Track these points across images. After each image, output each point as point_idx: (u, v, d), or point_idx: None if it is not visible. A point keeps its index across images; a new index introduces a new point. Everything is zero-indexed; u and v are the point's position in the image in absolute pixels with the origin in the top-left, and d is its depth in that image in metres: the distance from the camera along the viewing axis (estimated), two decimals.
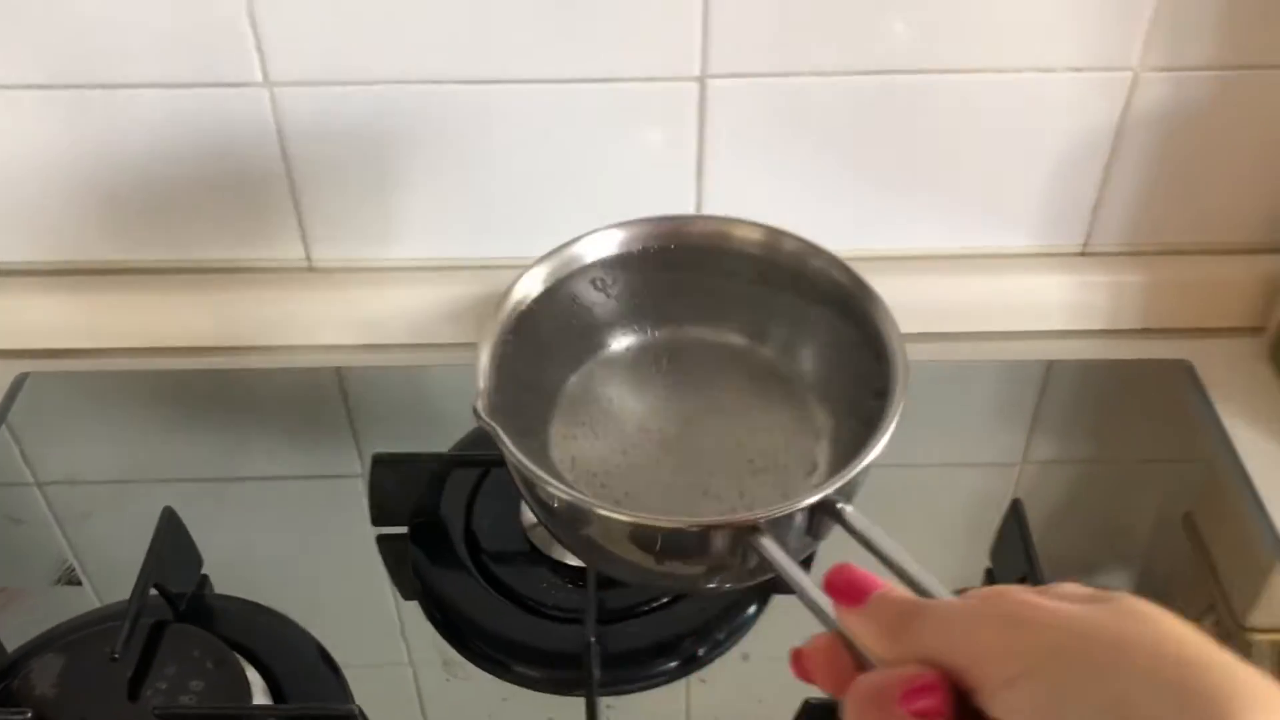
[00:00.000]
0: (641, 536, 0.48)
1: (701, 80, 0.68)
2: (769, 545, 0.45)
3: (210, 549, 0.63)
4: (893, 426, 0.50)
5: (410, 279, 0.76)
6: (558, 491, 0.48)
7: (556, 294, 0.58)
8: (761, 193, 0.74)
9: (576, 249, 0.58)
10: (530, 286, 0.57)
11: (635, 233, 0.60)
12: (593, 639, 0.55)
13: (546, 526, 0.54)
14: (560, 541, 0.59)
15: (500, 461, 0.65)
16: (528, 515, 0.63)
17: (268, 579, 0.63)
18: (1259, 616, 0.64)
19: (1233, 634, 0.63)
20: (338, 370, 0.75)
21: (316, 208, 0.74)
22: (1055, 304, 0.76)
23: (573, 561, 0.61)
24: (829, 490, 0.47)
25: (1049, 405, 0.76)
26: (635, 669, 0.58)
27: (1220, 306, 0.77)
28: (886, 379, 0.53)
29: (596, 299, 0.60)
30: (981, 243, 0.76)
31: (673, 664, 0.58)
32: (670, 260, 0.60)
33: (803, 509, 0.47)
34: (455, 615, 0.61)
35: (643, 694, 0.58)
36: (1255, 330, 0.76)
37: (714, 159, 0.72)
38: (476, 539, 0.63)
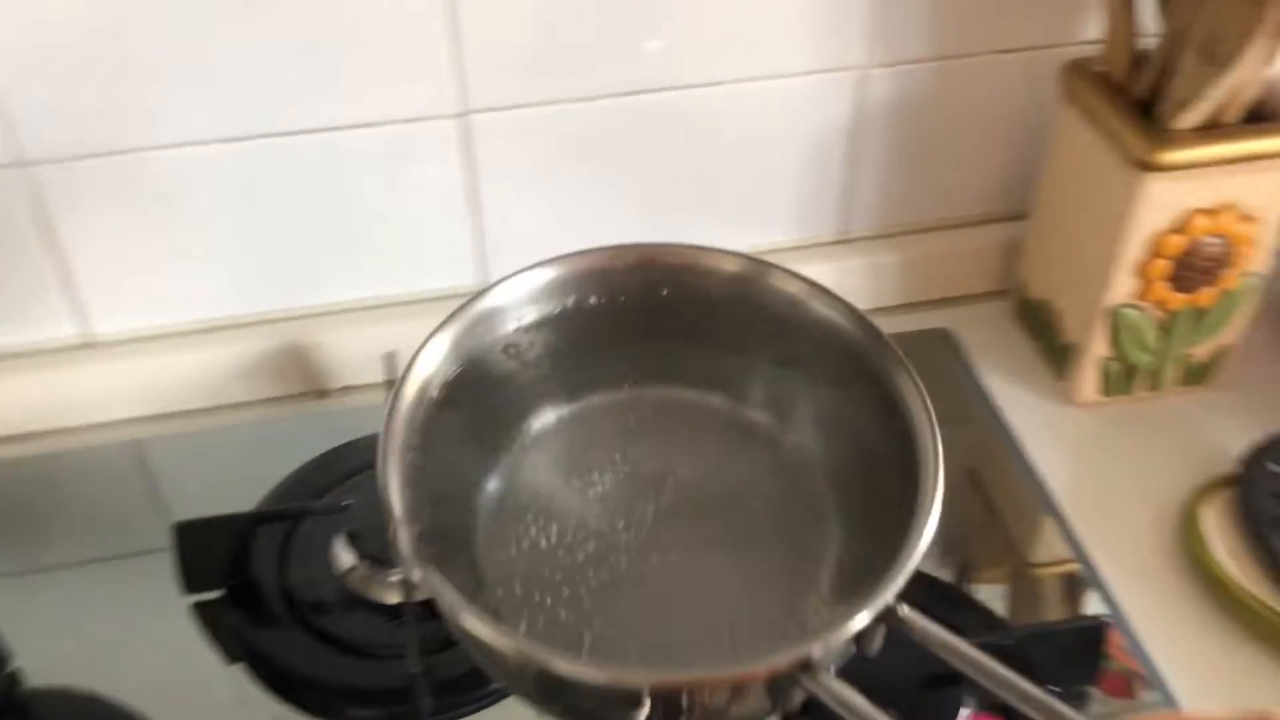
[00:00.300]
0: (656, 696, 0.37)
1: (463, 117, 0.70)
2: (836, 687, 0.36)
3: (23, 643, 0.61)
4: (939, 502, 0.42)
5: (195, 343, 0.75)
6: (546, 662, 0.38)
7: (467, 372, 0.48)
8: (541, 222, 0.76)
9: (484, 305, 0.48)
10: (430, 368, 0.47)
11: (559, 276, 0.50)
12: (416, 671, 0.56)
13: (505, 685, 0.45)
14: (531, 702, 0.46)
15: (307, 511, 0.66)
16: (340, 561, 0.63)
17: (88, 665, 0.61)
18: (1040, 553, 0.70)
19: (1022, 573, 0.69)
20: (133, 444, 0.74)
21: (90, 282, 0.72)
22: None
23: (390, 599, 0.62)
24: (889, 595, 0.38)
25: None
26: (464, 693, 0.59)
27: (968, 275, 0.83)
28: (912, 445, 0.44)
29: (515, 369, 0.51)
30: (747, 242, 0.80)
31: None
32: (614, 305, 0.50)
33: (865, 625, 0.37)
34: (282, 671, 0.61)
35: (475, 716, 0.59)
36: (1001, 293, 0.83)
37: (489, 194, 0.74)
38: (292, 592, 0.63)
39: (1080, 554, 0.67)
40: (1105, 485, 0.71)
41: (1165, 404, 0.75)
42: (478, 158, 0.72)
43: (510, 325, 0.50)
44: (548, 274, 0.50)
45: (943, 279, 0.83)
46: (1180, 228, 0.67)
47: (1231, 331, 0.73)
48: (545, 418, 0.52)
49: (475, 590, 0.45)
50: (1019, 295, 0.81)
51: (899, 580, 0.38)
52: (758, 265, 0.50)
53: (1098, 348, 0.73)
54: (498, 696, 0.59)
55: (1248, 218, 0.67)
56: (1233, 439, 0.70)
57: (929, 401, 0.45)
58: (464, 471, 0.49)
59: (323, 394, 0.77)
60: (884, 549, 0.40)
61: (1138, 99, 0.67)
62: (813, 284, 0.50)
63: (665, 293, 0.51)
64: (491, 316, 0.49)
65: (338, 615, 0.62)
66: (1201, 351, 0.74)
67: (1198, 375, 0.75)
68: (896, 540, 0.40)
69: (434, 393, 0.47)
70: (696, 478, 0.50)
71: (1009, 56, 0.76)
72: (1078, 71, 0.71)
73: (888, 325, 0.80)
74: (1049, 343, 0.77)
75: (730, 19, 0.70)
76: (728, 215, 0.79)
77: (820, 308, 0.49)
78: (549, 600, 0.47)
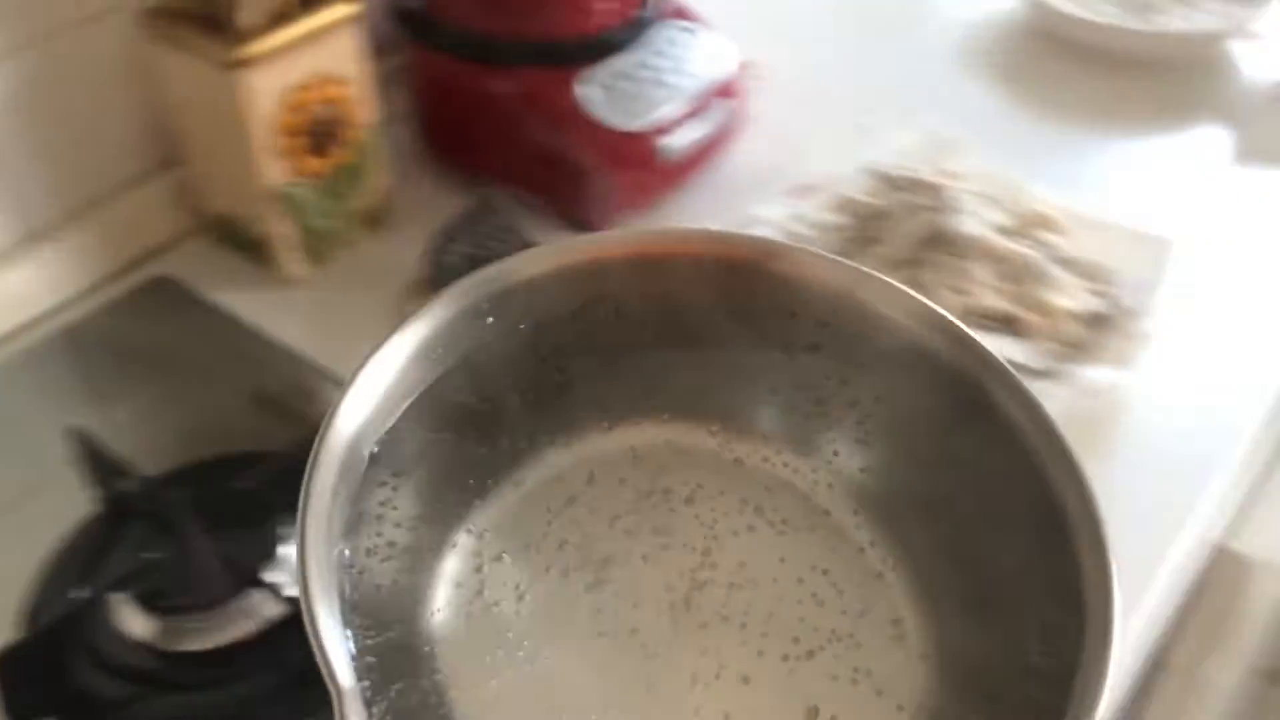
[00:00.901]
0: None
1: None
2: None
3: None
4: (1119, 613, 0.29)
5: None
6: None
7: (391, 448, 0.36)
8: None
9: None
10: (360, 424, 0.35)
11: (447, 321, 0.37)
12: None
13: None
14: None
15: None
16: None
17: None
18: None
19: None
20: None
21: None
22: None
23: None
24: None
25: None
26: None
27: (165, 223, 0.90)
28: (1038, 522, 0.31)
29: (467, 413, 0.39)
30: None
31: None
32: (591, 318, 0.37)
33: None
34: None
35: None
36: (201, 226, 0.91)
37: None
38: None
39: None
40: (347, 333, 0.82)
41: (364, 251, 0.90)
42: None
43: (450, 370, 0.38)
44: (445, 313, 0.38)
45: (145, 235, 0.89)
46: (291, 106, 0.79)
47: (380, 174, 0.89)
48: (507, 480, 0.40)
49: None
50: (209, 219, 0.89)
51: None
52: (774, 247, 0.34)
53: (286, 231, 0.84)
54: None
55: (338, 80, 0.81)
56: (419, 250, 0.85)
57: (1068, 448, 0.30)
58: (410, 585, 0.39)
59: None
60: (990, 690, 0.29)
61: (211, 17, 0.77)
62: (863, 271, 0.34)
63: (648, 296, 0.38)
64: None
65: None
66: (366, 200, 0.88)
67: (375, 219, 0.90)
68: (1023, 684, 0.28)
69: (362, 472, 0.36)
70: (722, 561, 0.37)
71: (97, 23, 0.82)
72: (154, 14, 0.80)
73: (113, 293, 0.87)
74: (249, 247, 0.87)
75: None
76: None
77: (893, 312, 0.34)
78: None
